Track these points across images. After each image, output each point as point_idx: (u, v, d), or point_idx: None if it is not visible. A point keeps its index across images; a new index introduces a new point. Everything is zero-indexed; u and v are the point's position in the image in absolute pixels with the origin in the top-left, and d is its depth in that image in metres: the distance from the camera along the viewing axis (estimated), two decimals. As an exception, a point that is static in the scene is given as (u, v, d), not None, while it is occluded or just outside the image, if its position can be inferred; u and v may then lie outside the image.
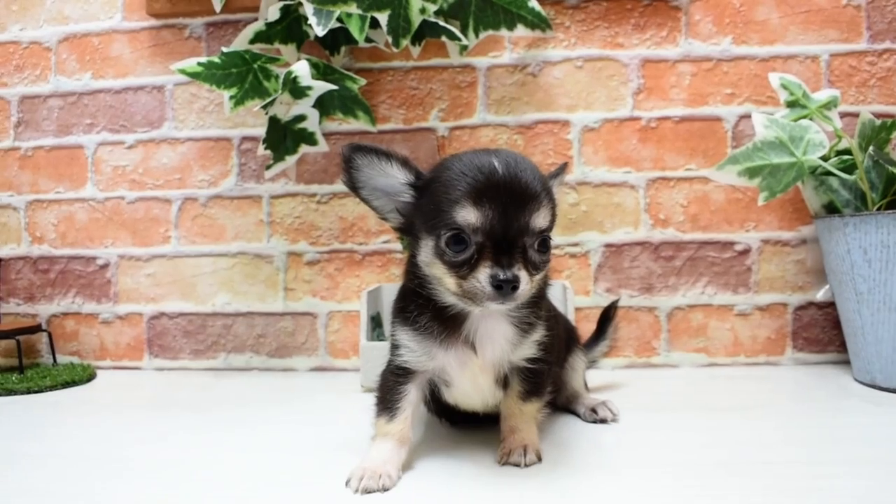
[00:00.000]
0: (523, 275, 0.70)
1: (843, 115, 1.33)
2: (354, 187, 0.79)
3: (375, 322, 1.34)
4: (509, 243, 0.71)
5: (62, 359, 1.54)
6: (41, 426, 1.08)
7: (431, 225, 0.74)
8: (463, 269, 0.72)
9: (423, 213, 0.76)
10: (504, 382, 0.85)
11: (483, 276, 0.70)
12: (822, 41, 1.39)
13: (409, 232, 0.81)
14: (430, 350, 0.81)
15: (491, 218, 0.70)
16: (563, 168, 0.86)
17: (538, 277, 0.75)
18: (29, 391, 1.30)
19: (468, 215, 0.71)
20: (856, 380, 1.23)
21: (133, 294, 1.53)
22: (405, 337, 0.82)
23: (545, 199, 0.73)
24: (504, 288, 0.69)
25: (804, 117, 1.22)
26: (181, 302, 1.51)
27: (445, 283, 0.75)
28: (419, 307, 0.80)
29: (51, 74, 1.54)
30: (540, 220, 0.72)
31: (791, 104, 1.24)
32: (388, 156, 0.77)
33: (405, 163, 0.78)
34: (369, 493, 0.73)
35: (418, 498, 0.73)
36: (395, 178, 0.78)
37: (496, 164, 0.72)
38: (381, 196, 0.80)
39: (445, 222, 0.72)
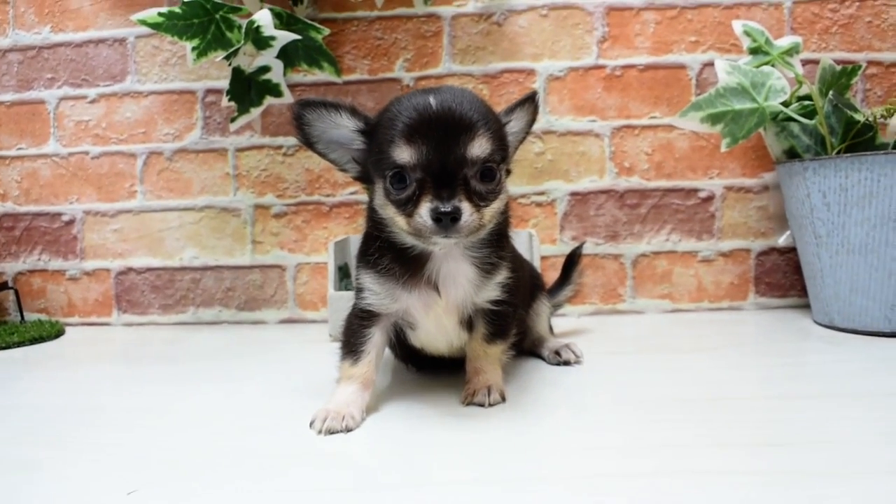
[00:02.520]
0: (465, 206, 0.71)
1: (805, 63, 1.34)
2: (309, 143, 0.80)
3: (343, 272, 1.35)
4: (448, 176, 0.71)
5: (30, 316, 1.53)
6: (11, 380, 1.08)
7: (378, 167, 0.76)
8: (408, 207, 0.73)
9: (371, 156, 0.77)
10: (469, 324, 0.86)
11: (424, 210, 0.71)
12: (785, -12, 1.40)
13: (366, 179, 0.82)
14: (393, 292, 0.82)
15: (426, 153, 0.71)
16: (528, 97, 0.84)
17: (490, 209, 0.76)
18: (-3, 348, 1.30)
19: (403, 153, 0.72)
20: (815, 322, 1.26)
21: (100, 250, 1.52)
22: (368, 280, 0.83)
23: (482, 129, 0.73)
24: (444, 220, 0.70)
25: (766, 63, 1.22)
26: (148, 257, 1.50)
27: (397, 223, 0.76)
28: (380, 250, 0.81)
29: (9, 28, 1.51)
30: (476, 149, 0.72)
31: (754, 51, 1.25)
32: (335, 106, 0.78)
33: (353, 111, 0.79)
34: (333, 433, 0.75)
35: (381, 438, 0.74)
36: (345, 128, 0.79)
37: (431, 100, 0.73)
38: (337, 148, 0.81)
39: (387, 162, 0.73)
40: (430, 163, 0.71)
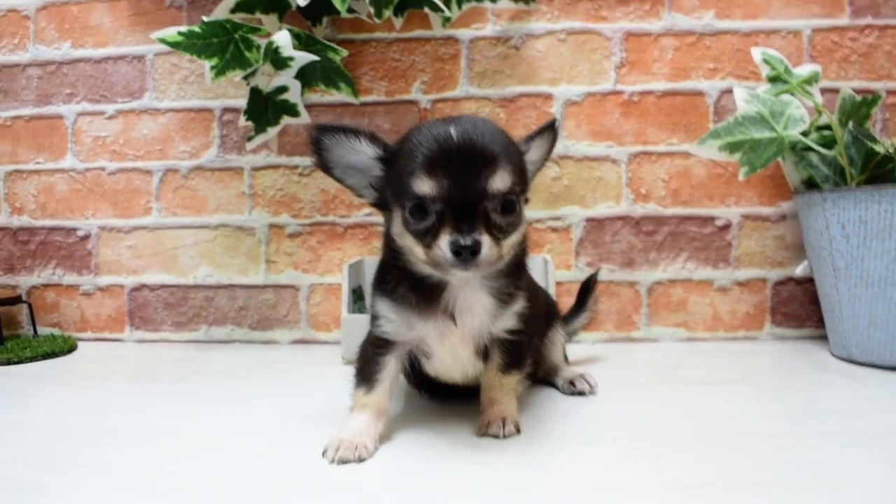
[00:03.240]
0: (485, 239, 0.70)
1: (824, 91, 1.33)
2: (327, 168, 0.80)
3: (357, 295, 1.34)
4: (469, 209, 0.71)
5: (43, 330, 1.54)
6: (22, 396, 1.08)
7: (397, 196, 0.75)
8: (427, 238, 0.73)
9: (391, 185, 0.77)
10: (484, 354, 0.85)
11: (444, 242, 0.70)
12: (805, 16, 1.39)
13: (383, 206, 0.81)
14: (409, 320, 0.81)
15: (447, 185, 0.70)
16: (548, 126, 0.84)
17: (509, 241, 0.75)
18: (9, 362, 1.30)
19: (424, 185, 0.71)
20: (832, 354, 1.25)
21: (114, 266, 1.52)
22: (384, 307, 0.82)
23: (504, 162, 0.72)
24: (463, 254, 0.69)
25: (785, 92, 1.22)
26: (162, 274, 1.51)
27: (415, 253, 0.75)
28: (397, 278, 0.81)
29: (29, 43, 1.52)
30: (498, 182, 0.71)
31: (773, 79, 1.24)
32: (355, 133, 0.77)
33: (373, 138, 0.78)
34: (345, 463, 0.74)
35: (394, 469, 0.73)
36: (364, 154, 0.78)
37: (452, 131, 0.72)
38: (354, 173, 0.80)
39: (407, 193, 0.73)
40: (450, 195, 0.71)
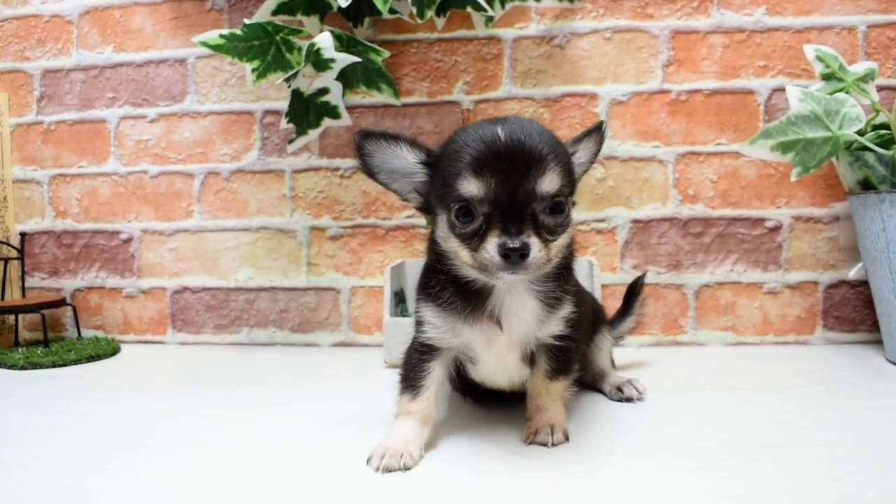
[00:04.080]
0: (534, 241, 0.69)
1: (880, 89, 1.29)
2: (371, 173, 0.80)
3: (399, 298, 1.33)
4: (517, 211, 0.70)
5: (86, 333, 1.55)
6: (66, 399, 1.08)
7: (442, 199, 0.74)
8: (474, 241, 0.72)
9: (435, 189, 0.76)
10: (531, 360, 0.84)
11: (491, 245, 0.69)
12: (860, 12, 1.35)
13: (428, 210, 0.81)
14: (454, 326, 0.80)
15: (494, 187, 0.69)
16: (596, 128, 0.83)
17: (558, 243, 0.74)
18: (54, 365, 1.31)
19: (471, 186, 0.70)
20: (888, 360, 1.21)
21: (156, 268, 1.53)
22: (429, 313, 0.81)
23: (553, 163, 0.71)
24: (512, 256, 0.68)
25: (840, 90, 1.19)
26: (204, 276, 1.51)
27: (461, 256, 0.74)
28: (442, 283, 0.79)
29: (73, 48, 1.53)
30: (546, 184, 0.70)
31: (826, 77, 1.21)
32: (396, 139, 0.78)
33: (413, 143, 0.78)
34: (390, 471, 0.73)
35: (440, 478, 0.72)
36: (406, 160, 0.78)
37: (499, 131, 0.71)
38: (399, 178, 0.80)
39: (453, 195, 0.72)
40: (498, 196, 0.70)
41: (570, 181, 0.75)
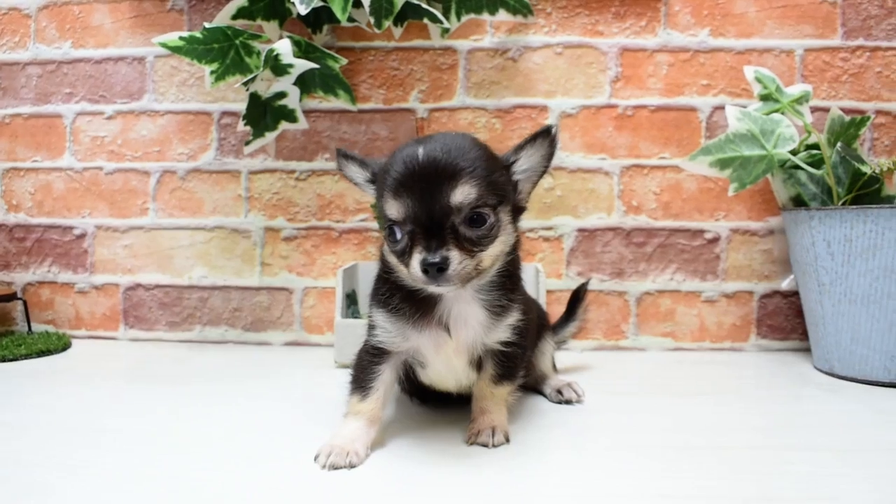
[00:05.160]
0: (454, 254, 0.72)
1: (814, 110, 1.36)
2: (355, 184, 0.87)
3: (350, 299, 1.36)
4: (436, 226, 0.72)
5: (37, 327, 1.55)
6: (15, 395, 1.09)
7: (379, 218, 0.80)
8: (404, 257, 0.75)
9: (377, 206, 0.80)
10: (478, 365, 0.87)
11: (415, 261, 0.73)
12: (798, 36, 1.41)
13: None
14: (404, 331, 0.83)
15: (412, 206, 0.73)
16: (542, 133, 0.81)
17: (488, 253, 0.76)
18: (3, 359, 1.30)
19: (392, 209, 0.74)
20: (815, 367, 1.27)
21: (109, 265, 1.53)
22: (380, 318, 0.84)
23: (467, 175, 0.73)
24: (430, 271, 0.71)
25: (776, 111, 1.24)
26: (158, 274, 1.52)
27: (400, 270, 0.78)
28: (391, 290, 0.83)
29: (30, 42, 1.53)
30: (459, 196, 0.72)
31: (764, 97, 1.26)
32: (349, 158, 0.85)
33: (361, 163, 0.84)
34: (336, 469, 0.75)
35: (384, 475, 0.75)
36: (359, 177, 0.84)
37: (419, 151, 0.74)
38: (365, 189, 0.86)
39: (383, 216, 0.76)
40: (416, 215, 0.73)
41: (496, 191, 0.76)
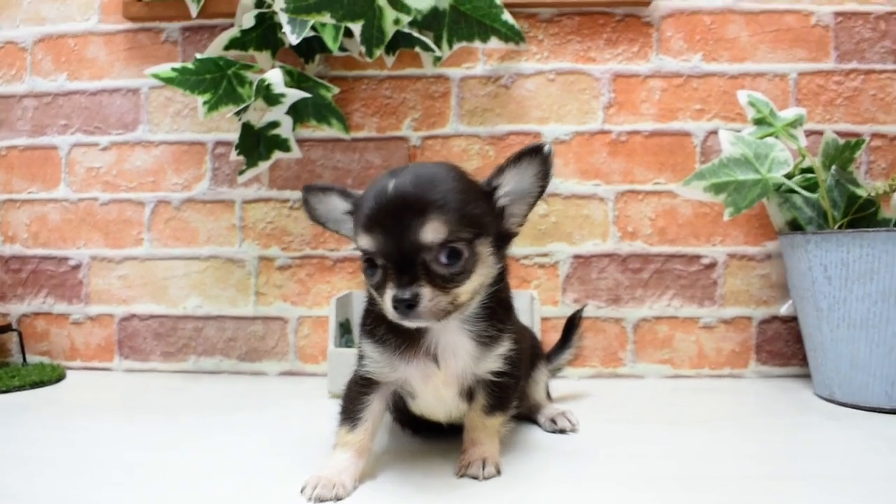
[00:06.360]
0: (425, 291, 0.71)
1: (809, 134, 1.35)
2: (320, 222, 0.86)
3: (344, 328, 1.35)
4: (407, 262, 0.71)
5: (32, 358, 1.54)
6: (9, 426, 1.08)
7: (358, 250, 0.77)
8: (379, 291, 0.75)
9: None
10: (469, 395, 0.86)
11: (387, 296, 0.72)
12: (791, 60, 1.41)
13: None
14: (391, 362, 0.82)
15: (384, 242, 0.72)
16: (528, 151, 0.77)
17: (464, 289, 0.74)
18: (-3, 391, 1.30)
19: (365, 243, 0.73)
20: (816, 394, 1.25)
21: (104, 295, 1.53)
22: (369, 348, 0.83)
23: (438, 212, 0.71)
24: (400, 307, 0.71)
25: (770, 135, 1.24)
26: (152, 304, 1.51)
27: (378, 303, 0.77)
28: (376, 320, 0.82)
29: (26, 74, 1.54)
30: (429, 234, 0.71)
31: (758, 122, 1.26)
32: (329, 190, 0.83)
33: (343, 193, 0.83)
34: (322, 501, 0.74)
35: (371, 508, 0.74)
36: (339, 209, 0.83)
37: (390, 185, 0.72)
38: (341, 224, 0.85)
39: (359, 249, 0.75)
40: (388, 251, 0.72)
41: (473, 224, 0.74)
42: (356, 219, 0.77)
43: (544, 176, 0.78)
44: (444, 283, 0.72)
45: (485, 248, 0.76)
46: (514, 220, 0.81)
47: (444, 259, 0.72)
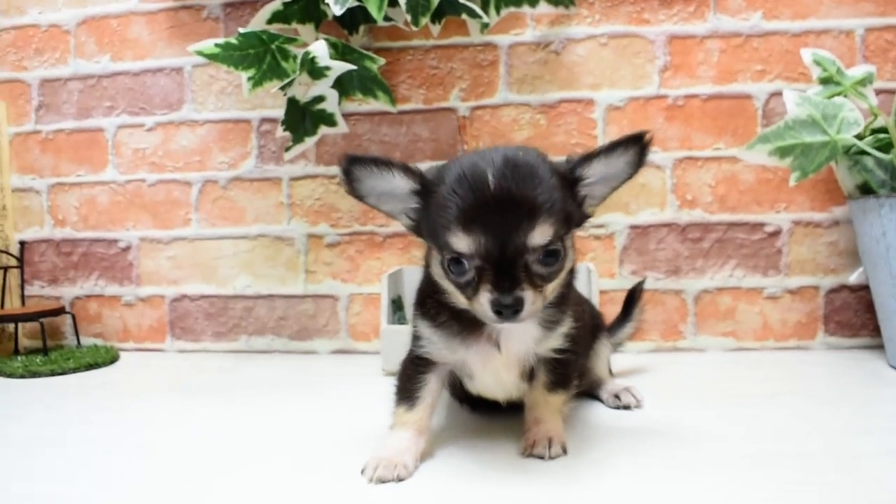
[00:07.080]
0: (528, 295, 0.67)
1: (878, 92, 1.28)
2: (359, 197, 0.76)
3: (396, 305, 1.33)
4: (508, 264, 0.67)
5: (86, 341, 1.55)
6: (65, 409, 1.09)
7: (435, 241, 0.73)
8: (468, 290, 0.70)
9: (427, 224, 0.74)
10: (529, 375, 0.83)
11: (484, 299, 0.68)
12: (857, 15, 1.34)
13: (419, 233, 0.78)
14: (450, 344, 0.79)
15: (484, 243, 0.67)
16: (625, 141, 0.74)
17: (553, 285, 0.72)
18: (53, 373, 1.31)
19: (460, 242, 0.68)
20: (889, 365, 1.20)
21: (154, 276, 1.53)
22: (426, 330, 0.81)
23: (546, 212, 0.67)
24: (505, 312, 0.67)
25: (838, 94, 1.18)
26: (202, 284, 1.51)
27: (458, 298, 0.73)
28: (438, 306, 0.79)
29: (70, 57, 1.53)
30: (538, 236, 0.67)
31: (824, 81, 1.20)
32: (388, 165, 0.74)
33: (406, 170, 0.74)
34: (384, 482, 0.72)
35: (434, 490, 0.71)
36: (398, 186, 0.75)
37: (489, 177, 0.68)
38: (390, 201, 0.77)
39: (444, 245, 0.70)
40: (488, 252, 0.67)
41: (567, 220, 0.71)
42: (441, 211, 0.70)
43: (638, 164, 0.76)
44: (541, 283, 0.70)
45: (570, 241, 0.74)
46: (592, 202, 0.78)
47: (544, 259, 0.69)
